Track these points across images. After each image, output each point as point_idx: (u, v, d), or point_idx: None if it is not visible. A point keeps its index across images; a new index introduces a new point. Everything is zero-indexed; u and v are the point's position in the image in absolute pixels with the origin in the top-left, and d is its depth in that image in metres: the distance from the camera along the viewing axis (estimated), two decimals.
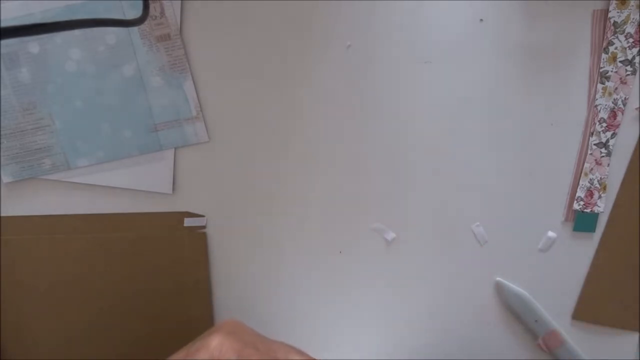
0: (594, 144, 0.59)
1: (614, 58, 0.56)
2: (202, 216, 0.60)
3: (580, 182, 0.60)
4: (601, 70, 0.57)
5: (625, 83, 0.57)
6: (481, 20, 0.55)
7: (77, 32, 0.51)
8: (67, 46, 0.51)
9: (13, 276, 0.58)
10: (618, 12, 0.54)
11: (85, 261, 0.59)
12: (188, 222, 0.59)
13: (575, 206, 0.60)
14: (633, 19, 0.55)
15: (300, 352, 0.36)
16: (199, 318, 0.62)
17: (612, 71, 0.57)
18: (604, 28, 0.55)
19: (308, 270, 0.61)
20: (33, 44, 0.51)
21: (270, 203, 0.60)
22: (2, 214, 0.56)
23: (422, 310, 0.63)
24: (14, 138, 0.53)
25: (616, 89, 0.57)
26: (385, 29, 0.55)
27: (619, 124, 0.58)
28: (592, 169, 0.59)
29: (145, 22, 0.46)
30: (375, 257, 0.62)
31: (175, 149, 0.56)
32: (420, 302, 0.63)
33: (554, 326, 0.62)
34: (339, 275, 0.62)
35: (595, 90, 0.57)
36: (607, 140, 0.59)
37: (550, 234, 0.61)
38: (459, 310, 0.63)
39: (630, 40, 0.55)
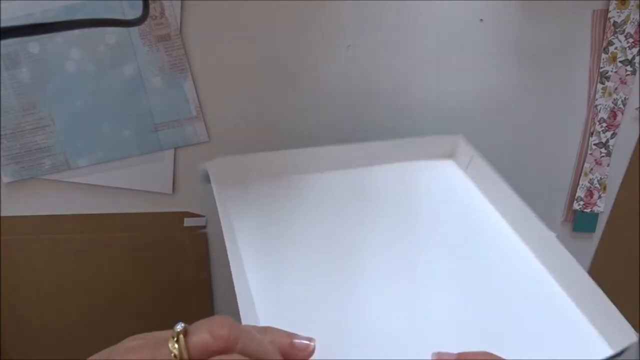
0: (594, 144, 0.59)
1: (614, 58, 0.56)
2: (202, 216, 0.60)
3: (580, 182, 0.60)
4: (601, 70, 0.57)
5: (625, 83, 0.57)
6: (481, 20, 0.55)
7: (77, 32, 0.51)
8: (67, 46, 0.51)
9: (13, 276, 0.58)
10: (618, 12, 0.54)
11: (85, 261, 0.59)
12: (188, 222, 0.59)
13: (575, 206, 0.60)
14: (633, 19, 0.55)
15: None
16: (199, 318, 0.62)
17: (612, 71, 0.57)
18: (604, 28, 0.55)
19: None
20: (33, 44, 0.51)
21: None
22: (2, 214, 0.56)
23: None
24: (14, 138, 0.53)
25: (616, 89, 0.57)
26: (385, 29, 0.55)
27: (619, 124, 0.58)
28: (592, 168, 0.59)
29: (145, 22, 0.46)
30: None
31: (175, 149, 0.56)
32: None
33: None
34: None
35: (595, 90, 0.57)
36: (607, 140, 0.59)
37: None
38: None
39: (630, 40, 0.55)
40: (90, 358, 0.28)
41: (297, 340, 0.32)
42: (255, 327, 0.32)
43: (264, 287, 0.41)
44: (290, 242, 0.46)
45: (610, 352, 0.39)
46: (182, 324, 0.27)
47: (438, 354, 0.35)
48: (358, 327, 0.39)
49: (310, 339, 0.33)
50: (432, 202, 0.51)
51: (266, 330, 0.32)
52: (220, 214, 0.44)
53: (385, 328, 0.39)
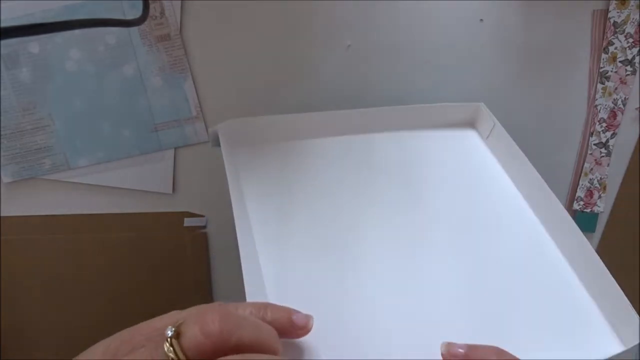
0: (594, 144, 0.59)
1: (614, 58, 0.56)
2: (202, 216, 0.60)
3: (580, 182, 0.60)
4: (601, 70, 0.57)
5: (625, 83, 0.57)
6: (481, 20, 0.55)
7: (77, 32, 0.51)
8: (67, 46, 0.51)
9: (13, 276, 0.58)
10: (618, 12, 0.54)
11: (85, 261, 0.59)
12: (188, 222, 0.59)
13: (575, 206, 0.60)
14: (633, 19, 0.55)
15: None
16: None
17: (612, 71, 0.57)
18: (604, 28, 0.55)
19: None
20: (33, 44, 0.51)
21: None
22: (2, 214, 0.56)
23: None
24: (14, 138, 0.53)
25: (616, 89, 0.57)
26: (385, 29, 0.55)
27: (619, 124, 0.58)
28: (592, 168, 0.59)
29: (145, 22, 0.46)
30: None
31: (175, 149, 0.56)
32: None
33: None
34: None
35: (595, 90, 0.57)
36: (607, 140, 0.59)
37: None
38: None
39: (630, 40, 0.55)
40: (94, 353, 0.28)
41: (296, 317, 0.32)
42: (254, 305, 0.32)
43: (271, 254, 0.41)
44: (298, 208, 0.45)
45: (619, 346, 0.38)
46: (172, 328, 0.26)
47: (448, 345, 0.34)
48: (363, 302, 0.39)
49: (308, 317, 0.32)
50: (449, 173, 0.50)
51: (266, 307, 0.31)
52: (229, 176, 0.43)
53: (391, 304, 0.39)
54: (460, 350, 0.33)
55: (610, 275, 0.40)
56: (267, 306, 0.32)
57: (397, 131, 0.52)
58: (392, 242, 0.44)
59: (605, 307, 0.40)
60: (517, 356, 0.32)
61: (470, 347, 0.33)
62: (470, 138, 0.53)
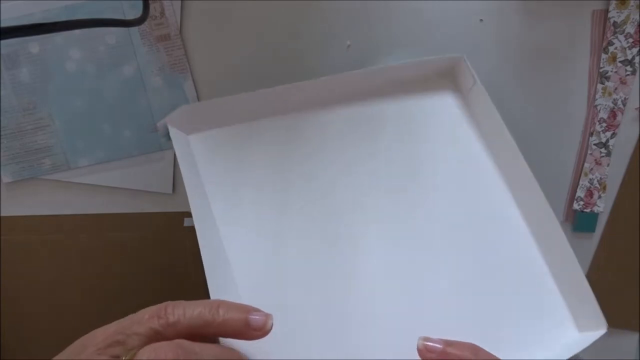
0: (594, 144, 0.59)
1: (613, 58, 0.56)
2: None
3: (580, 182, 0.60)
4: (601, 70, 0.57)
5: (625, 83, 0.57)
6: (481, 20, 0.55)
7: (77, 32, 0.51)
8: (67, 46, 0.51)
9: (13, 276, 0.58)
10: (618, 12, 0.54)
11: (85, 261, 0.59)
12: (188, 222, 0.59)
13: (575, 206, 0.60)
14: (633, 19, 0.55)
15: None
16: None
17: (612, 71, 0.57)
18: (604, 28, 0.55)
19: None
20: (33, 44, 0.51)
21: None
22: (2, 214, 0.56)
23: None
24: (14, 138, 0.53)
25: (616, 89, 0.57)
26: (385, 29, 0.55)
27: (619, 124, 0.58)
28: (592, 168, 0.59)
29: (145, 22, 0.46)
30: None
31: None
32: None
33: None
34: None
35: (595, 90, 0.57)
36: (607, 140, 0.59)
37: None
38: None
39: (630, 40, 0.55)
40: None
41: (252, 317, 0.29)
42: (205, 304, 0.29)
43: (240, 247, 0.39)
44: (267, 194, 0.42)
45: (578, 336, 0.39)
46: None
47: (424, 339, 0.32)
48: (346, 294, 0.40)
49: (267, 316, 0.29)
50: (426, 143, 0.47)
51: (218, 306, 0.29)
52: (182, 169, 0.39)
53: (373, 295, 0.40)
54: (437, 345, 0.32)
55: (574, 257, 0.41)
56: (219, 305, 0.29)
57: (371, 99, 0.48)
58: (375, 226, 0.43)
59: (568, 294, 0.41)
60: (495, 353, 0.32)
61: (447, 343, 0.32)
62: (449, 101, 0.49)
